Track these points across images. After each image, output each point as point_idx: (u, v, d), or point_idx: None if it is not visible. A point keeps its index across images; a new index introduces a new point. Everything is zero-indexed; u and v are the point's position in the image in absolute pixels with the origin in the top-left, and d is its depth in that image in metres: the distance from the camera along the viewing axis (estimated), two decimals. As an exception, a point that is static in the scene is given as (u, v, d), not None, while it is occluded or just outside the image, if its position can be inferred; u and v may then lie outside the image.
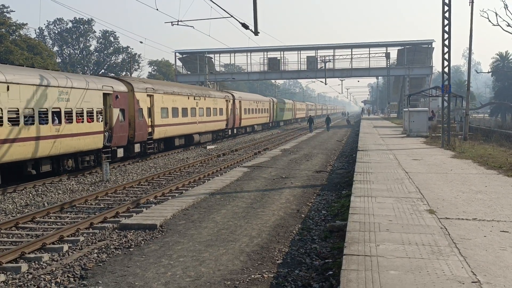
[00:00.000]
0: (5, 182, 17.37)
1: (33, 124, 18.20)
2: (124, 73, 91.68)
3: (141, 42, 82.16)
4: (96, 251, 9.45)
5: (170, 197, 15.40)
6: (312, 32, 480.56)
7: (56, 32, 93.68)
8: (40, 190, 17.55)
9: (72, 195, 16.85)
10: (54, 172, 20.04)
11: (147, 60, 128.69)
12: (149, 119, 27.76)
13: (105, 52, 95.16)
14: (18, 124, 17.39)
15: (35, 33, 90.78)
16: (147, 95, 27.65)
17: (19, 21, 64.02)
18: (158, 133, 28.85)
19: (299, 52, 73.96)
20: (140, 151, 26.94)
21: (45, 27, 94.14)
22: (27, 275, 8.39)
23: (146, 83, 28.85)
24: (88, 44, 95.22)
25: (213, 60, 78.24)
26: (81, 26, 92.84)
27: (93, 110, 21.97)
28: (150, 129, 27.81)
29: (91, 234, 11.18)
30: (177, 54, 74.51)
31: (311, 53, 74.01)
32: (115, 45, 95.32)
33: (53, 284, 7.76)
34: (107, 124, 23.50)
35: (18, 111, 17.43)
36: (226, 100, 44.05)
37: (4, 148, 16.71)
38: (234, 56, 76.29)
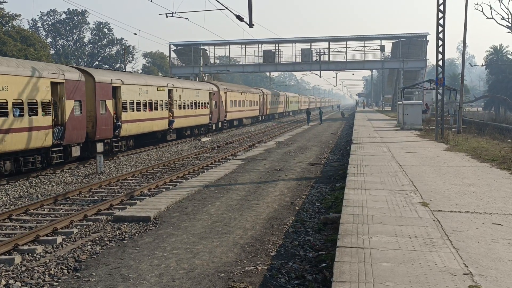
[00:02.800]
0: (179, 137, 34.32)
1: (187, 109, 34.85)
2: (118, 65, 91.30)
3: (135, 34, 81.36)
4: (90, 243, 9.45)
5: (164, 190, 15.39)
6: (307, 25, 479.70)
7: (50, 23, 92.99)
8: (33, 182, 17.50)
9: (66, 187, 16.81)
10: (190, 135, 36.61)
11: (141, 52, 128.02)
12: (225, 108, 45.05)
13: (99, 43, 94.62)
14: (185, 108, 34.36)
15: (29, 24, 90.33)
16: (224, 92, 44.85)
17: (12, 12, 63.60)
18: (229, 116, 46.57)
19: (294, 45, 73.83)
20: (221, 127, 44.56)
21: (39, 18, 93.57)
22: (21, 267, 8.38)
23: (223, 85, 46.83)
24: (82, 35, 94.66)
25: (207, 52, 77.99)
26: (75, 18, 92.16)
27: (205, 102, 39.04)
28: (225, 114, 45.03)
29: (85, 226, 11.17)
30: (172, 46, 74.14)
31: (306, 45, 73.90)
32: (109, 37, 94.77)
33: (46, 276, 7.76)
34: (209, 110, 39.91)
35: (185, 102, 34.35)
36: (259, 95, 59.91)
37: (181, 120, 33.34)
38: (229, 48, 76.03)
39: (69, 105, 20.83)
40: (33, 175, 18.46)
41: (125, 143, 26.20)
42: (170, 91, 31.97)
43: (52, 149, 19.77)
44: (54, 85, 20.10)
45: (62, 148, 20.43)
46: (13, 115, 17.51)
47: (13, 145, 17.49)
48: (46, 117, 19.26)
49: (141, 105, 27.38)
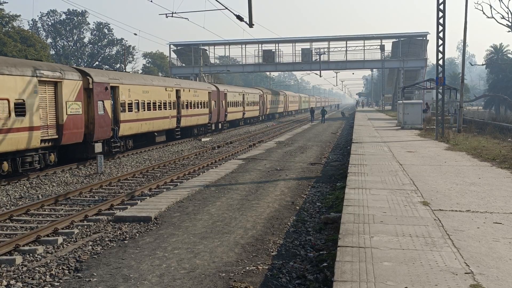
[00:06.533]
0: (245, 123, 56.32)
1: (250, 106, 54.71)
2: (118, 65, 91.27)
3: (135, 34, 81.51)
4: (90, 243, 9.45)
5: (164, 190, 15.39)
6: (307, 24, 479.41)
7: (50, 23, 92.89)
8: (34, 182, 17.49)
9: (67, 187, 16.81)
10: (249, 123, 56.66)
11: (142, 52, 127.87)
12: (266, 105, 63.92)
13: (99, 44, 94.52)
14: (249, 105, 54.68)
15: (29, 24, 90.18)
16: (266, 95, 63.22)
17: (12, 13, 63.51)
18: (268, 111, 66.22)
19: (294, 44, 73.77)
20: (264, 119, 64.12)
21: (39, 19, 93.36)
22: (22, 268, 8.38)
23: (265, 89, 66.98)
24: (82, 36, 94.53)
25: (207, 52, 77.94)
26: (75, 18, 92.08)
27: (257, 101, 58.05)
28: (266, 110, 64.64)
29: (85, 226, 11.16)
30: (172, 46, 74.08)
31: (306, 45, 73.86)
32: (109, 37, 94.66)
33: (47, 277, 7.76)
34: (259, 106, 59.45)
35: (249, 101, 54.47)
36: (283, 96, 78.30)
37: (247, 113, 54.24)
38: (229, 48, 75.96)
39: (212, 103, 40.53)
40: (33, 176, 18.46)
41: (228, 125, 46.80)
42: (243, 95, 52.40)
43: (207, 125, 39.87)
44: (209, 93, 39.84)
45: (210, 124, 40.19)
46: (198, 108, 36.76)
47: (199, 122, 37.23)
48: (206, 109, 38.93)
49: (234, 103, 48.13)
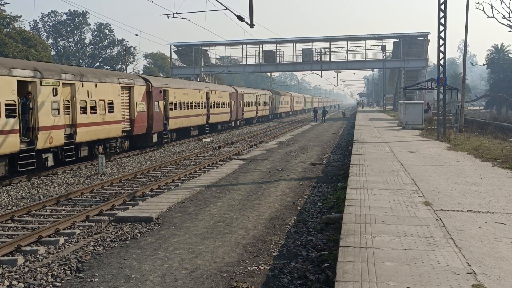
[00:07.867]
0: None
1: (262, 105, 62.47)
2: (119, 66, 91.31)
3: (136, 35, 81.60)
4: (92, 243, 9.45)
5: (166, 190, 15.39)
6: (308, 24, 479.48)
7: (51, 24, 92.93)
8: (35, 183, 17.50)
9: (68, 188, 16.81)
10: (259, 121, 62.58)
11: (143, 53, 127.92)
12: (274, 106, 69.97)
13: (100, 44, 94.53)
14: (262, 105, 63.37)
15: (30, 25, 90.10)
16: (274, 96, 69.52)
17: (13, 14, 63.46)
18: (276, 110, 72.13)
19: (294, 45, 73.70)
20: (272, 117, 70.07)
21: (40, 20, 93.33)
22: (23, 268, 8.38)
23: (274, 91, 73.20)
24: (83, 36, 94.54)
25: (208, 52, 77.93)
26: (76, 19, 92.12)
27: (267, 101, 64.35)
28: (273, 110, 69.61)
29: (87, 227, 11.17)
30: (173, 46, 74.07)
31: (307, 45, 73.80)
32: (110, 38, 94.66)
33: (49, 277, 7.76)
34: (269, 106, 65.29)
35: (266, 101, 65.90)
36: (289, 97, 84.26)
37: (259, 112, 61.25)
38: (230, 48, 75.92)
39: (232, 103, 46.39)
40: (34, 177, 18.47)
41: (244, 122, 52.94)
42: (256, 96, 58.01)
43: (229, 122, 45.73)
44: (230, 95, 45.89)
45: (231, 121, 46.10)
46: (222, 107, 42.68)
47: (222, 119, 43.22)
48: (227, 108, 44.47)
49: (249, 103, 53.84)
